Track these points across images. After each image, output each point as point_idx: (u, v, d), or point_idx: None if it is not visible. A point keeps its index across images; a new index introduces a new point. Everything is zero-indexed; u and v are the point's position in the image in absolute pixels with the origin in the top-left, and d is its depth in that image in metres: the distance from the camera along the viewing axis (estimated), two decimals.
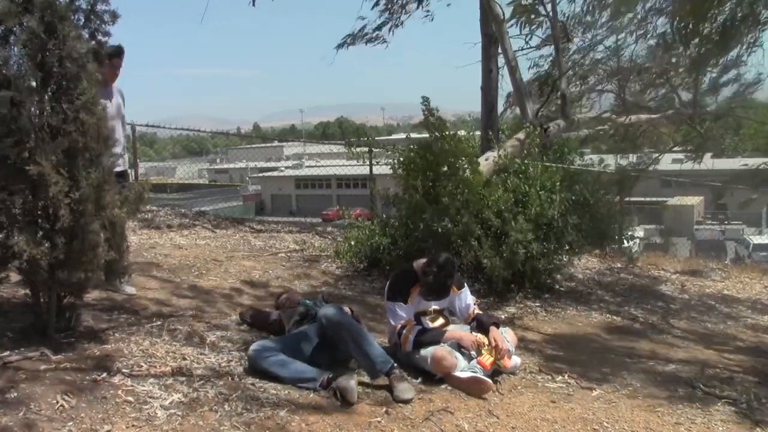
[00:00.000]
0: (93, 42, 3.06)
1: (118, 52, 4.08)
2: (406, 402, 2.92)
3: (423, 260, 3.52)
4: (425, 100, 5.29)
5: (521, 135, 6.58)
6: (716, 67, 7.59)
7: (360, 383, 2.94)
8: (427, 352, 3.26)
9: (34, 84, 2.85)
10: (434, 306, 3.53)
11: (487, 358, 3.29)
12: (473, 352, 3.31)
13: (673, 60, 8.09)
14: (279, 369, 3.01)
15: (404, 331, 3.37)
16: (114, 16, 3.09)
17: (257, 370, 3.04)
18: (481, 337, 3.38)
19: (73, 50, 2.88)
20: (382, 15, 8.67)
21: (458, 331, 3.47)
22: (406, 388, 2.98)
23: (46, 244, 2.87)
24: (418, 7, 8.54)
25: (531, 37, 8.39)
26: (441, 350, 3.24)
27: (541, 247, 5.10)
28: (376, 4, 8.58)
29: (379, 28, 8.77)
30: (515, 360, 3.50)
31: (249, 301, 4.44)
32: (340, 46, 9.10)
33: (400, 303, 3.42)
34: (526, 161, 5.55)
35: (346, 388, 2.83)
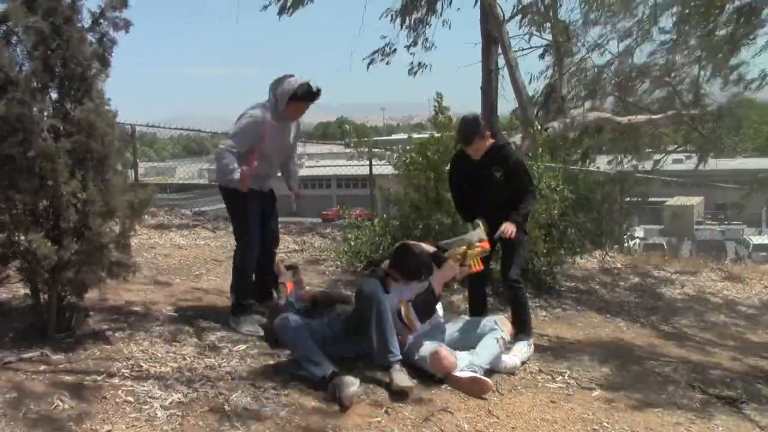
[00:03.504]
0: (99, 46, 3.06)
1: (313, 96, 3.61)
2: (404, 390, 2.93)
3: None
4: (438, 97, 5.35)
5: (522, 135, 6.59)
6: (724, 62, 7.54)
7: (362, 381, 2.94)
8: (425, 352, 3.26)
9: (36, 84, 2.86)
10: (404, 297, 3.46)
11: (475, 262, 3.41)
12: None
13: (677, 58, 8.09)
14: (295, 343, 3.07)
15: (403, 313, 3.34)
16: (127, 24, 3.09)
17: (277, 339, 3.18)
18: (457, 251, 3.43)
19: (77, 52, 2.89)
20: (409, 35, 8.67)
21: (439, 274, 3.42)
22: (405, 378, 2.99)
23: (48, 244, 2.87)
24: (436, 13, 8.53)
25: (531, 37, 8.40)
26: (440, 350, 3.24)
27: (543, 246, 5.11)
28: (393, 20, 8.55)
29: (409, 47, 8.76)
30: (514, 360, 3.50)
31: None
32: (370, 62, 9.04)
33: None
34: (530, 162, 5.55)
35: (347, 393, 2.81)
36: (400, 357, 3.11)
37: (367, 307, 3.14)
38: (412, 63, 8.95)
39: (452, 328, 3.59)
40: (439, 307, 3.62)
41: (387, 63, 8.92)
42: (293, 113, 3.64)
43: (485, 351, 3.37)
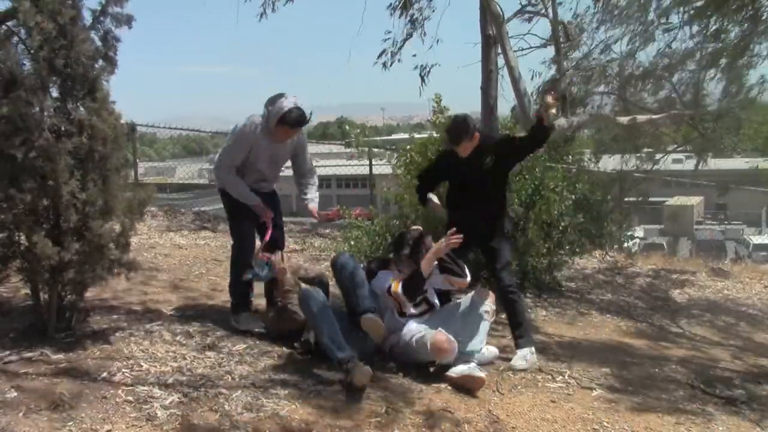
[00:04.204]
0: (104, 45, 3.07)
1: (302, 123, 3.54)
2: (374, 335, 3.21)
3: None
4: (437, 98, 5.37)
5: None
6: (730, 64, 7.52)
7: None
8: (425, 338, 3.25)
9: (39, 84, 2.86)
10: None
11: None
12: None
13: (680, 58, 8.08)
14: (321, 320, 3.12)
15: (392, 288, 3.37)
16: (129, 19, 3.09)
17: (303, 309, 3.24)
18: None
19: (81, 52, 2.89)
20: (407, 27, 8.58)
21: (431, 254, 3.41)
22: (376, 322, 3.19)
23: (49, 244, 2.87)
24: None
25: (530, 32, 8.39)
26: (439, 335, 3.22)
27: (543, 246, 5.12)
28: (401, 13, 8.47)
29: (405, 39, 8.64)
30: (492, 351, 3.55)
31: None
32: (384, 66, 8.95)
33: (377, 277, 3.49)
34: (529, 162, 5.54)
35: (359, 376, 2.89)
36: (374, 307, 3.24)
37: (341, 274, 3.32)
38: (416, 65, 8.89)
39: (435, 318, 3.53)
40: (433, 296, 3.61)
41: (399, 60, 8.82)
42: (281, 137, 3.58)
43: (474, 333, 3.36)
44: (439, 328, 3.30)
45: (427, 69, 8.65)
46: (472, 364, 3.20)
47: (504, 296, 3.71)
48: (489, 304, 3.46)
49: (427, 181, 4.06)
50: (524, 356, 3.58)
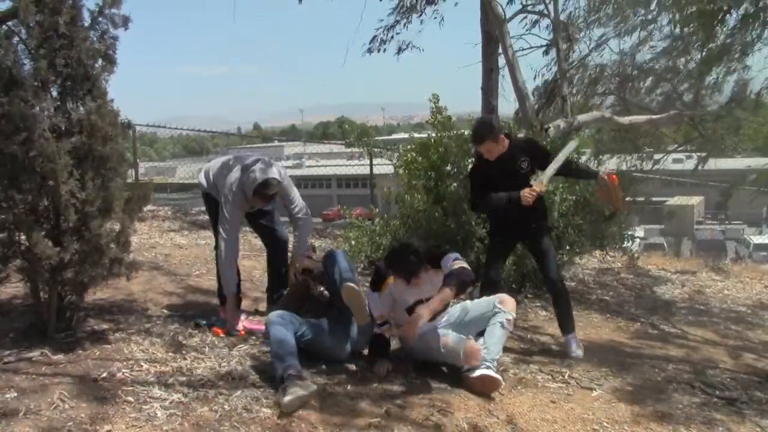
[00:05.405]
0: (102, 44, 3.07)
1: (273, 197, 3.72)
2: (355, 310, 3.19)
3: None
4: (435, 98, 5.36)
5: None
6: (721, 66, 7.54)
7: (355, 383, 2.94)
8: (459, 346, 3.19)
9: (39, 84, 2.87)
10: (413, 298, 3.39)
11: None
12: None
13: (679, 59, 8.09)
14: (272, 340, 3.02)
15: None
16: (125, 21, 3.10)
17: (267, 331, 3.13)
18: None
19: (81, 51, 2.89)
20: (396, 16, 8.77)
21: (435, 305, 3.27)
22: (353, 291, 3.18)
23: (49, 244, 2.88)
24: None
25: (531, 31, 8.48)
26: (473, 344, 3.18)
27: None
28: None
29: (393, 26, 8.85)
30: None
31: (249, 301, 4.44)
32: (369, 51, 9.16)
33: (374, 294, 3.37)
34: None
35: (287, 398, 2.68)
36: (352, 280, 3.24)
37: (329, 266, 3.36)
38: (400, 44, 9.08)
39: (450, 317, 3.47)
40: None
41: (384, 50, 9.10)
42: (258, 202, 3.74)
43: (493, 341, 3.25)
44: (470, 336, 3.27)
45: (409, 47, 8.93)
46: (493, 364, 3.17)
47: (554, 289, 4.00)
48: (510, 313, 3.35)
49: (483, 189, 3.91)
50: (578, 344, 3.90)
